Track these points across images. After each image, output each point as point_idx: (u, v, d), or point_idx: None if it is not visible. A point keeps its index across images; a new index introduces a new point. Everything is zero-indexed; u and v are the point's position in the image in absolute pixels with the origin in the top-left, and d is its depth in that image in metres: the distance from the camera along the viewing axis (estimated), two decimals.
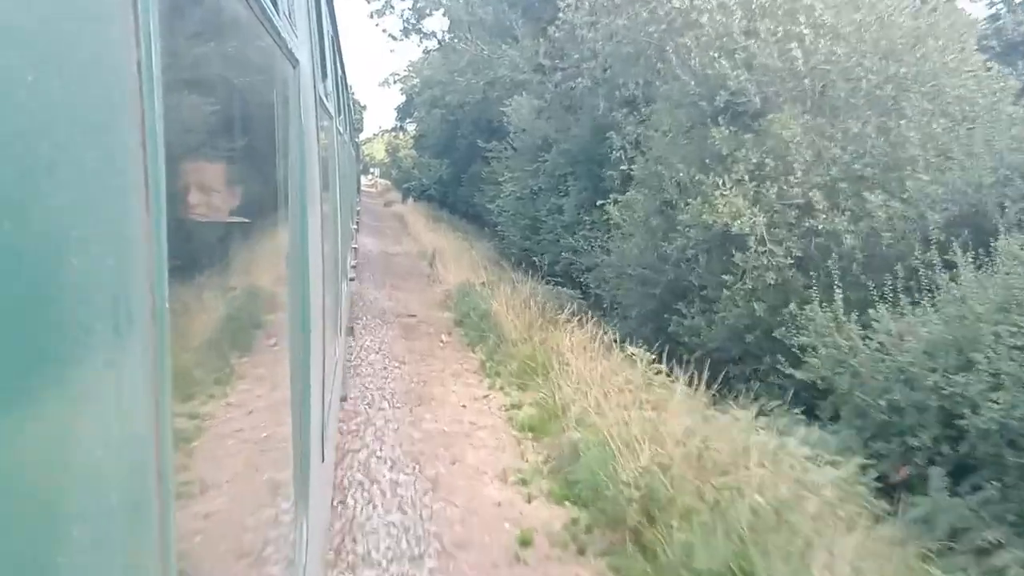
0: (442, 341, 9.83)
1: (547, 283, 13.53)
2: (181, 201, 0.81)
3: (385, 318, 11.06)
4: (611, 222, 11.66)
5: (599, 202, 12.15)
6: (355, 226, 11.61)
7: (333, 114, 4.09)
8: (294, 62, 1.73)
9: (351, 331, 8.53)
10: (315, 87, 2.38)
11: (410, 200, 37.05)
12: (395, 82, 41.95)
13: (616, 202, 11.49)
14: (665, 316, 9.46)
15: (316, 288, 2.19)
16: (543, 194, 17.00)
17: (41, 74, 0.46)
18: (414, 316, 11.26)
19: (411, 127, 43.01)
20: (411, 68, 39.99)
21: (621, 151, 11.71)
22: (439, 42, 28.57)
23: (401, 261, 18.33)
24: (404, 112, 42.98)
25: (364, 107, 52.85)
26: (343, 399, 6.26)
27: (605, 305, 12.11)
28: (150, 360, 0.61)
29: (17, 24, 0.44)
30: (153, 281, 0.62)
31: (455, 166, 29.82)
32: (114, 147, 0.57)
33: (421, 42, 28.13)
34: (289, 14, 1.75)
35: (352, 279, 8.25)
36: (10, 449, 0.44)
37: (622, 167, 11.50)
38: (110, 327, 0.55)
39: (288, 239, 1.74)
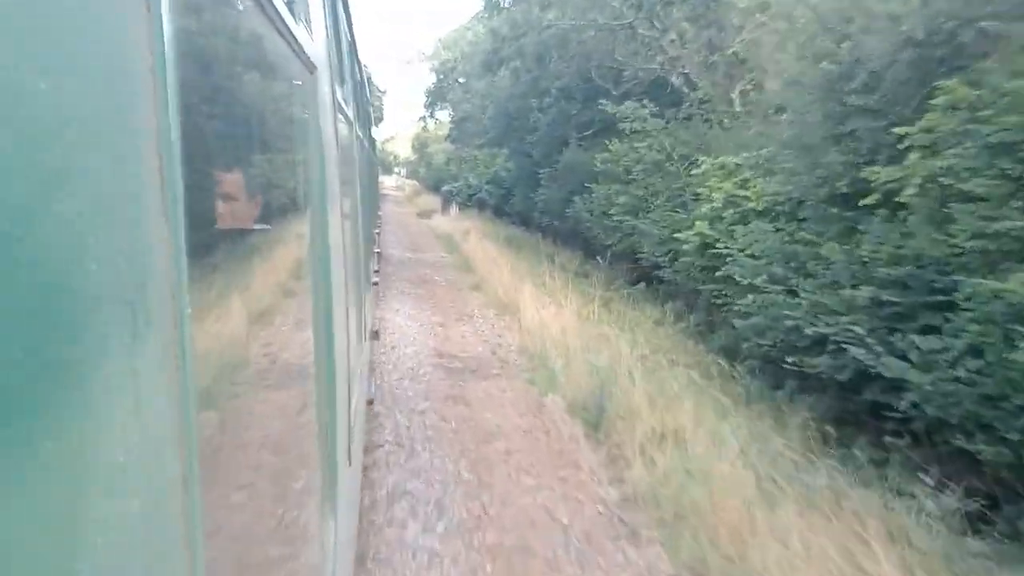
0: None
1: None
2: (199, 208, 0.81)
3: None
4: None
5: None
6: (376, 230, 11.70)
7: (352, 119, 4.11)
8: (311, 68, 1.73)
9: (376, 335, 8.52)
10: (333, 92, 2.38)
11: (453, 208, 26.84)
12: (422, 60, 34.54)
13: None
14: None
15: (339, 293, 2.19)
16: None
17: (56, 81, 0.46)
18: None
19: (442, 115, 34.46)
20: (441, 42, 32.64)
21: None
22: None
23: (497, 414, 6.63)
24: (436, 95, 34.07)
25: (384, 92, 42.35)
26: (369, 402, 6.29)
27: None
28: (173, 367, 0.61)
29: (30, 30, 0.44)
30: (174, 288, 0.62)
31: (525, 156, 19.50)
32: (131, 154, 0.57)
33: None
34: (306, 19, 1.75)
35: (375, 283, 8.29)
36: (32, 457, 0.44)
37: None
38: (131, 334, 0.55)
39: (309, 245, 1.74)
